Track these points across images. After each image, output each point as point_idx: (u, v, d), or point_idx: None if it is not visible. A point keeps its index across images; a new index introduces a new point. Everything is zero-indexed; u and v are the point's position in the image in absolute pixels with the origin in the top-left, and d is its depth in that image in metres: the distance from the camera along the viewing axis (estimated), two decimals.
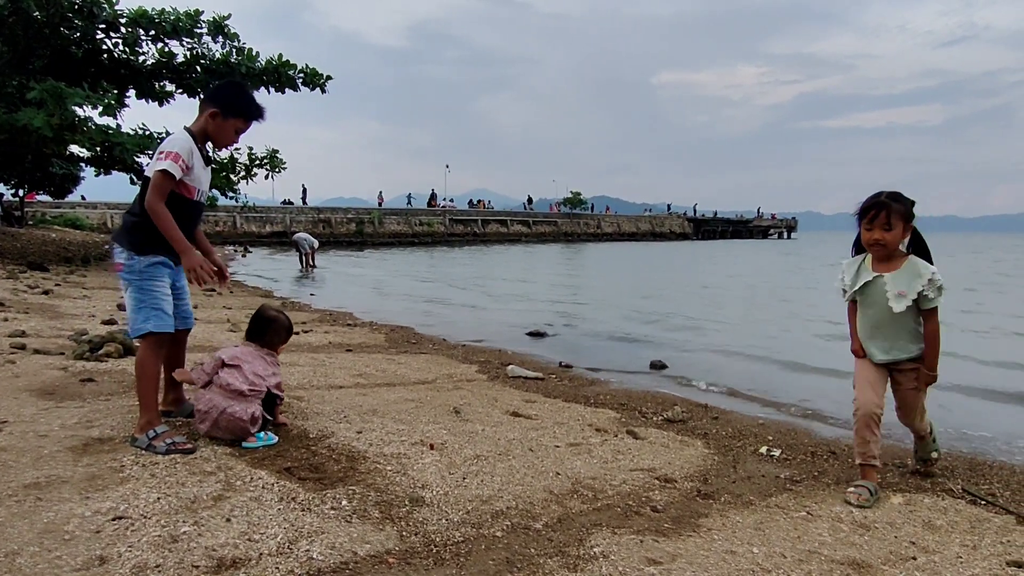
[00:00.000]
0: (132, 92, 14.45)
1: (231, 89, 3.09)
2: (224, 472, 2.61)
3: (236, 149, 14.74)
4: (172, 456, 2.72)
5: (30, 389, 3.69)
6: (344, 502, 2.43)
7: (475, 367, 5.85)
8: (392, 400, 4.18)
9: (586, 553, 2.18)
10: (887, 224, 2.83)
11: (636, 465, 3.21)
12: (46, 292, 8.49)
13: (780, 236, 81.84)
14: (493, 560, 2.08)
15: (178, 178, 2.85)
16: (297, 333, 6.94)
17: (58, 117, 10.87)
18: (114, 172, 14.22)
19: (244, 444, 2.97)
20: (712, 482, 3.04)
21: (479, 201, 60.41)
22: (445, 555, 2.09)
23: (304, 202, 46.15)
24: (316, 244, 20.30)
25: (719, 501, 2.79)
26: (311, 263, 19.87)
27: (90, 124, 12.06)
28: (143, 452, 2.75)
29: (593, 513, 2.56)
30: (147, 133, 12.82)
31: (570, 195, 66.55)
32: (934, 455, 3.29)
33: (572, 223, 60.98)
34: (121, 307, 7.74)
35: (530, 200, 65.97)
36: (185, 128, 3.00)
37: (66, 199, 31.21)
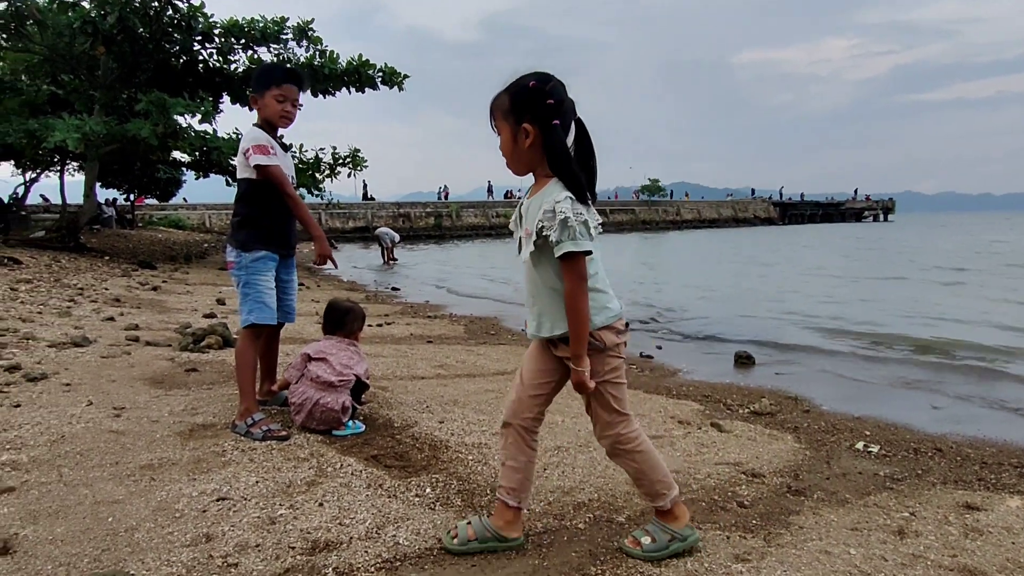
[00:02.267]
0: (226, 98, 15.29)
1: (257, 71, 3.21)
2: (316, 459, 2.73)
3: (321, 149, 15.31)
4: (268, 443, 2.87)
5: (143, 378, 3.99)
6: (428, 490, 2.48)
7: None
8: (472, 391, 4.25)
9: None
10: (496, 130, 1.96)
11: (721, 459, 3.11)
12: (154, 288, 9.15)
13: (875, 219, 77.01)
14: (576, 552, 2.08)
15: (272, 165, 2.97)
16: (380, 325, 7.18)
17: (162, 126, 11.66)
18: (212, 175, 15.07)
19: (335, 432, 3.09)
20: (803, 478, 2.91)
21: None
22: (528, 545, 2.10)
23: (365, 198, 47.06)
24: (397, 238, 20.88)
25: (811, 498, 2.66)
26: (392, 257, 20.46)
27: (190, 131, 12.87)
28: (242, 438, 2.91)
29: None
30: (240, 137, 13.52)
31: (648, 183, 65.18)
32: (636, 550, 2.04)
33: (650, 211, 59.73)
34: (220, 301, 8.24)
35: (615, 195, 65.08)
36: (253, 124, 3.14)
37: (170, 202, 33.51)
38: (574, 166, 1.85)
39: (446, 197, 52.26)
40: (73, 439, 2.77)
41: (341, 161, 15.81)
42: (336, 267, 3.30)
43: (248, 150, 2.97)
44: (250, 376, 3.07)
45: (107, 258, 12.88)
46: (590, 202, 1.88)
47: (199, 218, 35.91)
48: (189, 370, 4.26)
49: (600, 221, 1.92)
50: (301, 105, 3.19)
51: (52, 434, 2.80)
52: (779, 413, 4.15)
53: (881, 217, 77.77)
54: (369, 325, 7.08)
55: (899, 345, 6.84)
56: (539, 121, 1.83)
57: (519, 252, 1.98)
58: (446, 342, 6.53)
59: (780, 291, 12.08)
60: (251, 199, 3.05)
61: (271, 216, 3.07)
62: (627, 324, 2.05)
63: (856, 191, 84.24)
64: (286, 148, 3.26)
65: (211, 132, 12.85)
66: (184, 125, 12.54)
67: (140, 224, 29.73)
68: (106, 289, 8.35)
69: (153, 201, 32.64)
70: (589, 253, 1.83)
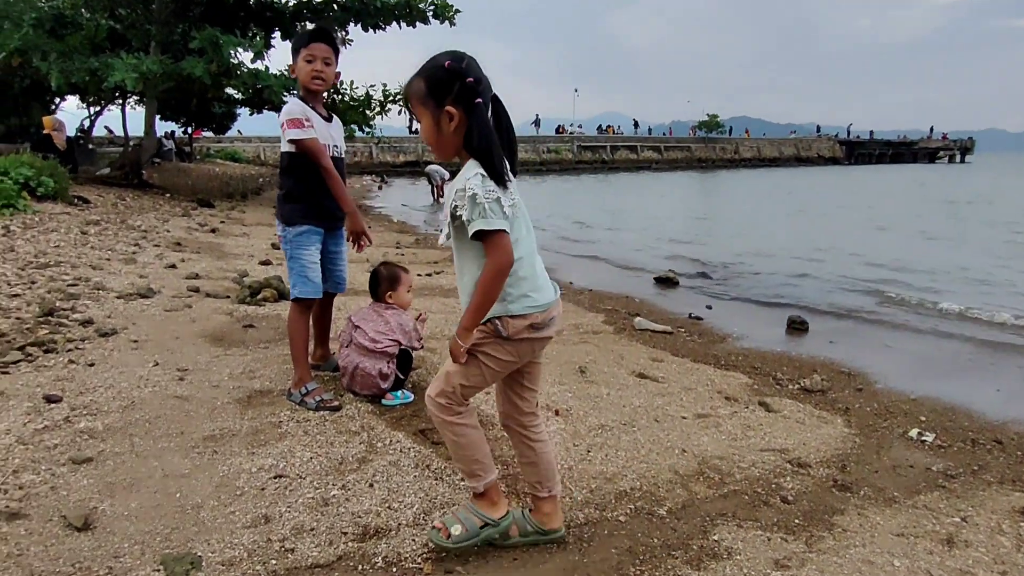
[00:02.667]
0: (277, 34, 15.21)
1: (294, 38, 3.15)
2: (367, 432, 2.84)
3: (371, 86, 15.17)
4: (322, 413, 2.99)
5: (204, 335, 4.17)
6: None
7: (601, 316, 5.84)
8: None
9: (710, 548, 2.16)
10: (415, 118, 1.94)
11: (767, 444, 3.10)
12: (213, 231, 9.45)
13: (951, 160, 72.37)
14: (615, 549, 2.13)
15: (308, 138, 2.97)
16: (429, 275, 7.26)
17: (216, 64, 11.72)
18: (265, 111, 15.18)
19: (383, 402, 3.20)
20: (851, 470, 2.87)
21: (608, 127, 58.56)
22: (568, 538, 2.16)
23: (411, 132, 46.45)
24: (447, 176, 20.81)
25: (857, 495, 2.63)
26: (442, 194, 20.50)
27: (242, 69, 12.90)
28: (297, 407, 3.04)
29: (719, 500, 2.52)
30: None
31: (706, 118, 62.60)
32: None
33: (707, 148, 57.65)
34: (275, 246, 8.46)
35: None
36: (294, 95, 3.14)
37: (226, 135, 34.15)
38: (496, 147, 1.80)
39: None
40: (143, 405, 2.95)
41: (391, 98, 15.67)
42: (371, 242, 3.30)
43: (283, 124, 2.97)
44: (302, 346, 3.17)
45: (168, 195, 13.30)
46: (509, 182, 1.82)
47: (254, 151, 36.57)
48: (247, 326, 4.43)
49: (514, 201, 1.83)
50: (338, 72, 3.13)
51: (123, 399, 2.99)
52: (830, 391, 4.07)
53: (957, 158, 73.00)
54: (417, 275, 7.18)
55: (966, 318, 6.54)
56: (462, 102, 1.78)
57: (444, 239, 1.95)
58: None
59: (837, 246, 11.62)
60: (292, 172, 3.07)
61: (314, 189, 3.08)
62: (552, 320, 1.95)
63: (932, 129, 79.05)
64: (330, 116, 3.22)
65: (263, 69, 12.85)
66: (237, 62, 12.56)
67: (198, 157, 30.46)
68: (168, 231, 8.67)
69: (209, 134, 33.28)
70: (504, 232, 1.77)
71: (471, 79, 1.77)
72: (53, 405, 2.85)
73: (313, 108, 3.08)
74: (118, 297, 4.88)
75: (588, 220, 15.94)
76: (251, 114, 15.97)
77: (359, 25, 15.01)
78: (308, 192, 3.08)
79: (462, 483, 2.46)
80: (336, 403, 3.09)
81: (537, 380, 2.12)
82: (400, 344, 3.25)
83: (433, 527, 2.04)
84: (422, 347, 3.44)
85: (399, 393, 3.27)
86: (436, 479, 2.49)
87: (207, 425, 2.81)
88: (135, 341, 3.92)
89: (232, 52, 11.94)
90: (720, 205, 22.89)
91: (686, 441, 3.05)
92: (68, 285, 5.00)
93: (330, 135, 3.14)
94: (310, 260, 3.12)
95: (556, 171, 44.72)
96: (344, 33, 15.87)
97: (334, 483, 2.39)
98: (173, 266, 6.32)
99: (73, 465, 2.37)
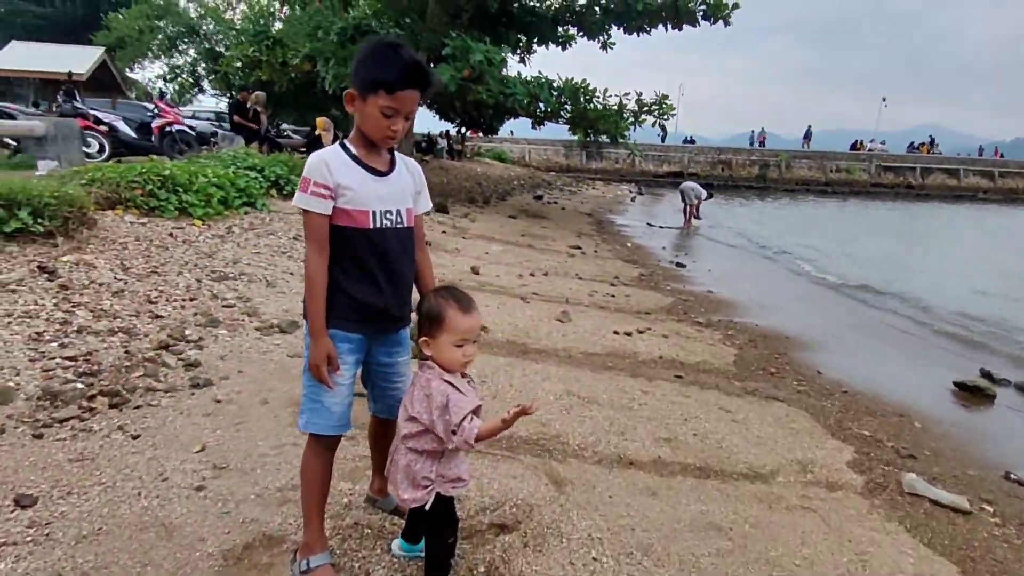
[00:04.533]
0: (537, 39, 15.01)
1: (363, 52, 2.01)
2: None
3: (625, 95, 14.09)
4: None
5: (297, 402, 3.48)
6: None
7: (848, 451, 3.95)
8: (703, 519, 2.80)
9: None
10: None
11: None
12: (428, 244, 9.24)
13: None
14: None
15: (319, 211, 1.98)
16: (628, 334, 5.91)
17: (466, 71, 11.71)
18: (512, 119, 15.10)
19: (391, 548, 2.11)
20: None
21: (921, 144, 49.39)
22: None
23: (662, 142, 43.67)
24: (704, 195, 18.78)
25: None
26: (695, 214, 18.58)
27: (493, 74, 12.79)
28: None
29: None
30: (542, 80, 13.06)
31: None
32: None
33: None
34: (475, 270, 7.85)
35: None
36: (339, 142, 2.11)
37: (497, 135, 36.11)
38: None
39: (762, 143, 46.67)
40: (107, 536, 2.23)
41: (646, 108, 14.43)
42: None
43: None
44: (314, 498, 2.19)
45: None
46: None
47: (520, 152, 38.17)
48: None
49: None
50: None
51: (97, 518, 2.31)
52: None
53: None
54: (615, 332, 5.91)
55: None
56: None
57: None
58: (701, 379, 5.01)
59: None
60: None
61: (353, 273, 2.06)
62: None
63: None
64: (392, 163, 2.15)
65: (511, 77, 12.59)
66: (485, 67, 12.45)
67: (468, 156, 32.57)
68: None
69: (481, 134, 35.50)
70: None
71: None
72: (19, 511, 2.28)
73: (363, 161, 2.07)
74: (257, 328, 4.51)
75: (863, 259, 12.86)
76: (501, 121, 16.08)
77: (621, 28, 14.02)
78: (345, 277, 2.07)
79: None
80: None
81: None
82: (424, 428, 1.94)
83: None
84: (465, 445, 1.89)
85: (404, 543, 2.14)
86: None
87: None
88: (218, 402, 3.37)
89: (483, 59, 11.82)
90: None
91: None
92: (223, 306, 4.79)
93: (382, 196, 2.08)
94: (332, 380, 2.10)
95: (843, 194, 38.86)
96: (606, 37, 15.04)
97: None
98: None
99: None
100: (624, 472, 3.28)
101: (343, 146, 2.09)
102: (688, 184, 19.24)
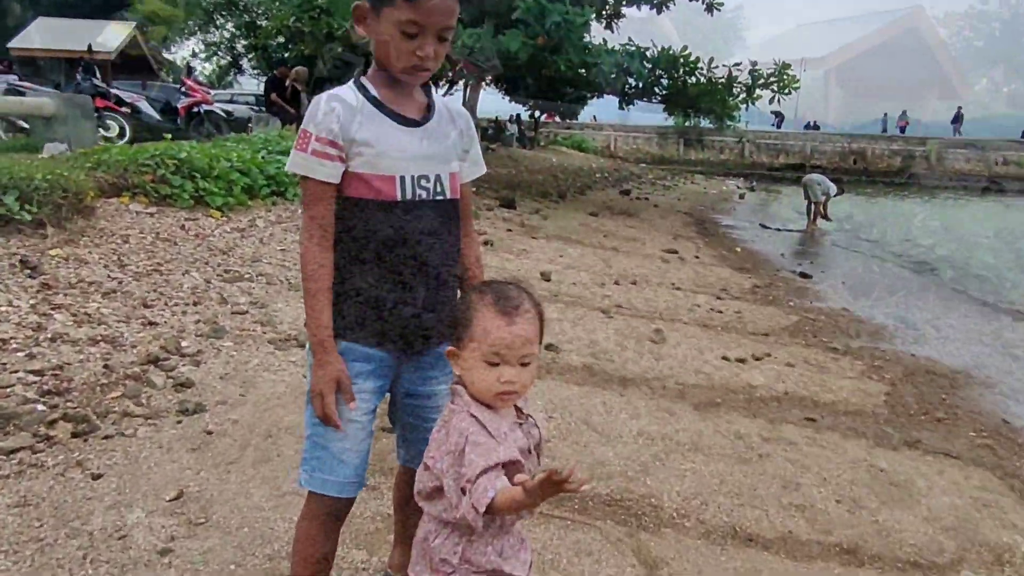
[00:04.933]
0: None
1: None
2: None
3: (736, 65, 13.46)
4: None
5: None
6: None
7: None
8: None
9: None
10: None
11: None
12: (487, 243, 8.90)
13: None
14: None
15: (323, 178, 1.64)
16: (741, 361, 5.40)
17: (539, 34, 11.41)
18: (597, 97, 14.75)
19: None
20: None
21: None
22: None
23: (777, 128, 41.74)
24: (833, 191, 17.74)
25: None
26: (822, 213, 17.58)
27: (574, 40, 12.44)
28: None
29: None
30: (632, 49, 12.64)
31: None
32: None
33: None
34: (546, 276, 7.48)
35: None
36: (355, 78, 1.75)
37: (577, 120, 35.71)
38: None
39: (903, 129, 44.13)
40: None
41: (762, 81, 13.76)
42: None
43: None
44: (310, 571, 1.83)
45: (474, 189, 13.65)
46: None
47: (604, 140, 37.70)
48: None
49: None
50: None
51: None
52: None
53: None
54: (723, 357, 5.40)
55: None
56: None
57: None
58: (842, 423, 4.44)
59: None
60: (339, 231, 1.72)
61: (372, 265, 1.70)
62: None
63: None
64: (430, 107, 1.79)
65: (595, 45, 12.23)
66: (564, 33, 12.10)
67: (541, 144, 32.36)
68: None
69: (558, 119, 35.19)
70: None
71: None
72: None
73: (387, 106, 1.71)
74: (270, 341, 4.28)
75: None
76: (579, 99, 15.75)
77: None
78: (363, 272, 1.72)
79: None
80: None
81: None
82: (440, 483, 1.54)
83: None
84: (471, 513, 1.42)
85: None
86: None
87: None
88: (208, 433, 3.12)
89: (560, 21, 11.49)
90: None
91: None
92: (232, 312, 4.61)
93: (415, 156, 1.71)
94: (343, 415, 1.73)
95: (1013, 191, 36.28)
96: None
97: None
98: None
99: None
100: (741, 552, 2.82)
101: (359, 85, 1.74)
102: (813, 177, 18.23)
